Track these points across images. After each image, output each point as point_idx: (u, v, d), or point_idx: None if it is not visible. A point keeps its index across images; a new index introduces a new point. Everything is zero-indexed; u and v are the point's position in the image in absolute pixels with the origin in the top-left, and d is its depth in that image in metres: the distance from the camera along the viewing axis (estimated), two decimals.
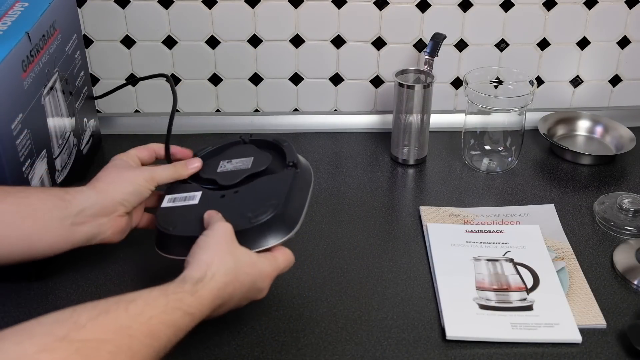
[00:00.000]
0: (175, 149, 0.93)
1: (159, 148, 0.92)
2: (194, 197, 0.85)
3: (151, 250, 0.96)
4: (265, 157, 0.90)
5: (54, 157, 0.98)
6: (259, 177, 0.86)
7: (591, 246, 0.99)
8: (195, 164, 0.90)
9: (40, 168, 0.93)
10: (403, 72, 1.16)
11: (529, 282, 0.90)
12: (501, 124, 1.14)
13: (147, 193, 0.85)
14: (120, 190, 0.83)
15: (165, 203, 0.86)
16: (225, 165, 0.90)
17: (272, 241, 0.78)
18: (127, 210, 0.84)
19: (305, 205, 0.84)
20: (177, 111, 1.31)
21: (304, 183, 0.87)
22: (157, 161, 0.92)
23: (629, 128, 1.21)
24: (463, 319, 0.85)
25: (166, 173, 0.87)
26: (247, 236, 0.77)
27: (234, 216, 0.78)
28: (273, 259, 0.77)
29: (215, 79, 1.27)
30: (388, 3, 1.21)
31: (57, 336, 0.53)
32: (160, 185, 0.87)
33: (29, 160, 0.89)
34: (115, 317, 0.59)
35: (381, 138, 1.24)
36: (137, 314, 0.61)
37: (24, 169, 0.88)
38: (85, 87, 1.14)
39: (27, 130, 0.88)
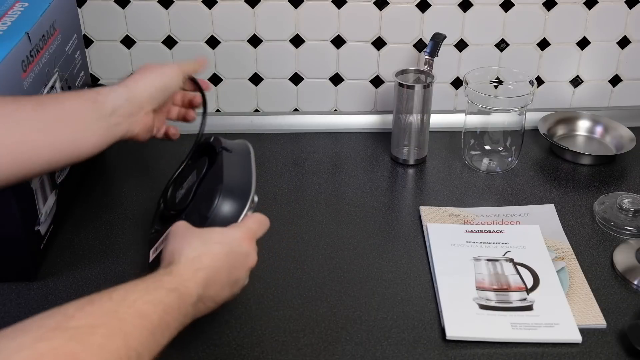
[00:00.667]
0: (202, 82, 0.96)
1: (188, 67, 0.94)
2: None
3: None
4: (202, 161, 0.90)
5: None
6: (204, 180, 0.87)
7: (591, 246, 0.99)
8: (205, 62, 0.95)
9: None
10: (403, 72, 1.16)
11: (529, 282, 0.90)
12: (501, 124, 1.14)
13: (175, 86, 0.89)
14: (149, 85, 0.85)
15: (151, 257, 0.86)
16: (180, 193, 0.91)
17: (235, 217, 0.79)
18: (155, 106, 0.87)
19: (252, 173, 0.85)
20: None
21: (241, 156, 0.88)
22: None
23: (629, 128, 1.21)
24: (463, 319, 0.85)
25: (191, 64, 0.92)
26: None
27: (198, 223, 0.78)
28: (242, 224, 0.78)
29: (215, 79, 1.27)
30: (388, 3, 1.21)
31: (49, 327, 0.54)
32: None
33: None
34: (100, 304, 0.59)
35: (381, 138, 1.24)
36: (120, 300, 0.61)
37: None
38: (85, 87, 1.14)
39: None
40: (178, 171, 0.94)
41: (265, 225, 0.80)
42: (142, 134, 0.87)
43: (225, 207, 0.80)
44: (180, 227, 0.76)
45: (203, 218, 0.79)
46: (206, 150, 0.92)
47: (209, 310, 0.72)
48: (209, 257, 0.71)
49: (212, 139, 0.92)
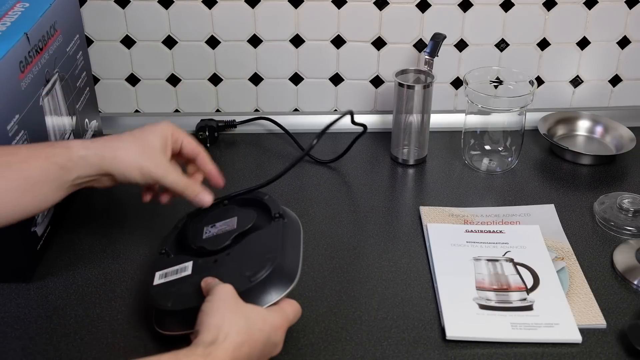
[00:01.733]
0: (211, 172, 0.88)
1: (201, 157, 0.87)
2: (186, 268, 0.81)
3: (151, 252, 0.96)
4: (249, 214, 0.87)
5: None
6: (248, 235, 0.83)
7: (591, 246, 0.98)
8: (207, 198, 0.85)
9: None
10: (403, 72, 1.16)
11: (529, 282, 0.90)
12: (501, 124, 1.14)
13: (151, 182, 0.82)
14: (124, 173, 0.80)
15: (157, 280, 0.82)
16: (210, 231, 0.86)
17: (275, 296, 0.76)
18: (110, 184, 0.83)
19: (300, 254, 0.83)
20: (177, 111, 1.31)
21: (294, 232, 0.85)
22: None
23: (629, 128, 1.21)
24: (463, 319, 0.85)
25: (176, 181, 0.83)
26: (249, 295, 0.74)
27: (233, 278, 0.75)
28: (282, 311, 0.75)
29: (215, 79, 1.27)
30: (388, 3, 1.21)
31: None
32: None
33: None
34: None
35: (381, 138, 1.24)
36: None
37: None
38: (87, 88, 1.14)
39: (24, 131, 0.88)
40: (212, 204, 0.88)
41: (299, 315, 0.78)
42: (110, 186, 0.83)
43: (272, 281, 0.76)
44: (229, 295, 0.72)
45: (243, 278, 0.75)
46: (254, 204, 0.89)
47: None
48: (248, 346, 0.69)
49: (266, 197, 0.89)
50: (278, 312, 0.75)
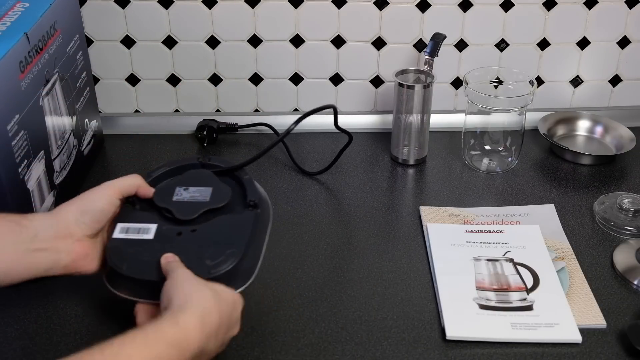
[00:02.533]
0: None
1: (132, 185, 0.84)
2: (149, 231, 0.80)
3: None
4: (225, 190, 0.85)
5: (53, 158, 0.98)
6: (218, 214, 0.82)
7: (591, 246, 0.98)
8: (148, 193, 0.84)
9: (38, 169, 0.93)
10: (403, 72, 1.16)
11: (529, 282, 0.90)
12: (501, 124, 1.14)
13: (106, 207, 0.79)
14: (74, 208, 0.78)
15: (117, 233, 0.80)
16: (181, 194, 0.84)
17: (234, 287, 0.76)
18: (87, 233, 0.78)
19: (263, 250, 0.81)
20: (177, 111, 1.31)
21: (263, 225, 0.84)
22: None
23: (629, 128, 1.21)
24: (463, 319, 0.85)
25: (126, 183, 0.82)
26: None
27: (192, 261, 0.75)
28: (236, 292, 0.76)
29: (215, 79, 1.27)
30: (388, 3, 1.21)
31: None
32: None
33: (26, 161, 0.89)
34: None
35: (381, 138, 1.24)
36: (113, 355, 0.58)
37: (20, 170, 0.88)
38: (87, 88, 1.14)
39: (24, 131, 0.88)
40: (187, 163, 0.88)
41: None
42: (81, 264, 0.79)
43: (230, 276, 0.76)
44: (190, 274, 0.72)
45: (202, 267, 0.75)
46: (233, 179, 0.88)
47: None
48: (218, 314, 0.68)
49: (246, 177, 0.87)
50: (237, 294, 0.75)
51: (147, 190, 0.84)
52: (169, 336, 0.63)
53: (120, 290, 0.78)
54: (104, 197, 0.80)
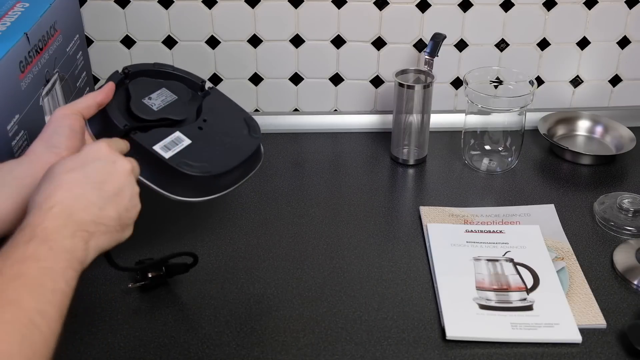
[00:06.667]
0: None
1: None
2: (181, 139, 0.82)
3: (152, 251, 0.96)
4: (177, 85, 0.88)
5: None
6: (201, 106, 0.88)
7: (591, 246, 0.98)
8: (106, 90, 0.80)
9: None
10: (403, 72, 1.16)
11: (529, 282, 0.90)
12: (501, 124, 1.14)
13: (72, 126, 0.75)
14: (40, 146, 0.74)
15: (165, 153, 0.80)
16: (153, 102, 0.85)
17: (188, 194, 0.81)
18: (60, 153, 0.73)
19: (241, 181, 0.86)
20: None
21: (256, 159, 0.88)
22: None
23: (629, 128, 1.21)
24: (463, 319, 0.85)
25: (82, 101, 0.78)
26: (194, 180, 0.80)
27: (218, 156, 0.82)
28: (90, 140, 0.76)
29: (215, 79, 1.27)
30: (388, 3, 1.21)
31: None
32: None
33: None
34: None
35: (381, 138, 1.25)
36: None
37: None
38: (87, 88, 1.14)
39: (24, 131, 0.88)
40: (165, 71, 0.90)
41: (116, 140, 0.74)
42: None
43: (198, 182, 0.80)
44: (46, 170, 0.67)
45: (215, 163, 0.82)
46: (163, 77, 0.89)
47: (112, 232, 0.67)
48: (62, 190, 0.64)
49: (212, 88, 0.92)
50: (85, 144, 0.73)
51: (105, 96, 0.80)
52: (19, 238, 0.60)
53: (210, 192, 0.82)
54: (66, 127, 0.75)
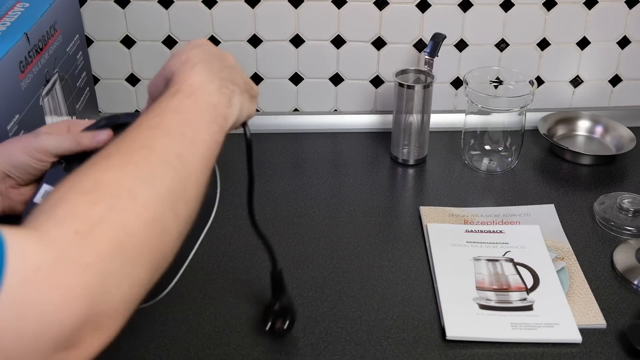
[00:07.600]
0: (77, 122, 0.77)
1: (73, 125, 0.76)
2: None
3: None
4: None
5: None
6: None
7: (591, 246, 0.98)
8: (104, 136, 0.73)
9: None
10: (403, 72, 1.16)
11: (529, 282, 0.90)
12: (501, 124, 1.14)
13: (36, 165, 0.69)
14: (4, 161, 0.69)
15: (39, 198, 0.69)
16: None
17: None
18: (20, 183, 0.70)
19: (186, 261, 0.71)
20: None
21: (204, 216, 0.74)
22: None
23: (629, 128, 1.21)
24: (463, 319, 0.85)
25: (63, 143, 0.70)
26: None
27: None
28: None
29: None
30: (388, 3, 1.21)
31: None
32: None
33: None
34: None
35: (381, 138, 1.25)
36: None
37: None
38: (87, 88, 1.14)
39: (24, 131, 0.88)
40: None
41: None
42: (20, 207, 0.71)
43: None
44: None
45: None
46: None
47: (247, 94, 0.68)
48: (195, 56, 0.65)
49: None
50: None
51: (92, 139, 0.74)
52: (164, 95, 0.61)
53: None
54: (35, 155, 0.70)
